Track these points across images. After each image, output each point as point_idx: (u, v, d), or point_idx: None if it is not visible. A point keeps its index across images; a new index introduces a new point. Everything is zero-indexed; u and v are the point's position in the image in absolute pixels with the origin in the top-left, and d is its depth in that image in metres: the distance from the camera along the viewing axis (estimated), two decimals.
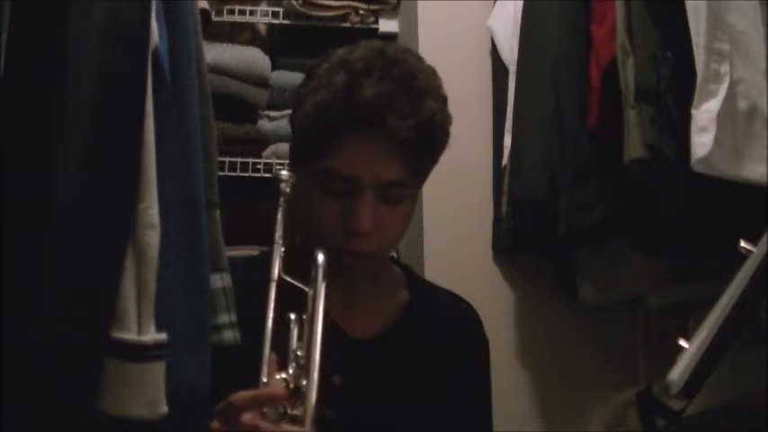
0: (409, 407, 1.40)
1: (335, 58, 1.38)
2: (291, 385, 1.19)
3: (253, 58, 2.52)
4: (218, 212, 1.16)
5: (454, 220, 2.39)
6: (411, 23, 2.50)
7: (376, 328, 1.45)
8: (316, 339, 1.22)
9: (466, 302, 1.56)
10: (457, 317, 1.52)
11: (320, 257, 1.29)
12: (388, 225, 1.37)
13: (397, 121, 1.31)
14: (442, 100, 1.39)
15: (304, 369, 1.20)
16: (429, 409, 1.41)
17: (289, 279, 1.24)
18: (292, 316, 1.24)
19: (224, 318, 1.17)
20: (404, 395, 1.41)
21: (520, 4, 2.25)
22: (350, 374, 1.38)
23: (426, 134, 1.34)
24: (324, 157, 1.34)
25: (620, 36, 1.83)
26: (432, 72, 1.41)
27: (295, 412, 1.18)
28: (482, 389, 1.52)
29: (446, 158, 2.38)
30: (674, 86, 1.72)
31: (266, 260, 1.44)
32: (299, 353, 1.22)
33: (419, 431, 1.40)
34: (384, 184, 1.34)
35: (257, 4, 2.58)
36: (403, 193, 1.38)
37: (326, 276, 1.28)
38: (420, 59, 1.42)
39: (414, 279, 1.54)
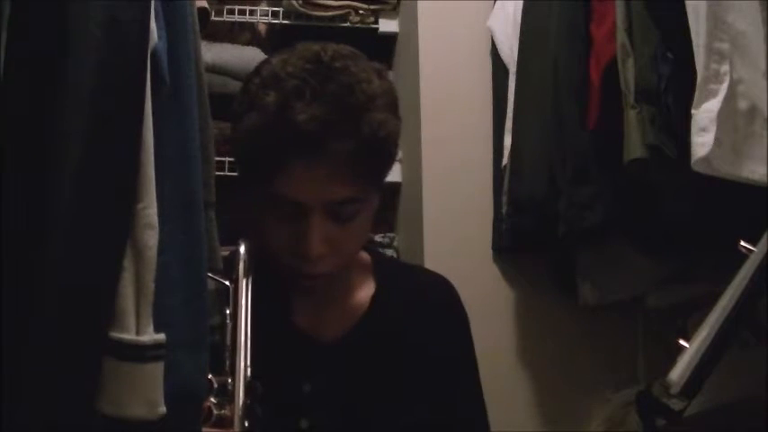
0: (385, 405, 1.36)
1: (267, 71, 1.29)
2: (216, 385, 1.16)
3: (253, 58, 2.51)
4: (214, 212, 1.16)
5: (454, 220, 2.39)
6: (411, 23, 2.50)
7: (343, 330, 1.40)
8: (240, 336, 1.19)
9: (439, 280, 1.49)
10: (426, 299, 1.46)
11: (242, 249, 1.25)
12: (343, 242, 1.31)
13: (335, 143, 1.23)
14: (389, 107, 1.30)
15: (230, 367, 1.17)
16: (406, 404, 1.37)
17: (210, 275, 1.17)
18: (227, 311, 1.21)
19: (217, 319, 1.16)
20: (378, 395, 1.37)
21: (520, 4, 2.25)
22: (319, 381, 1.35)
23: (371, 151, 1.27)
24: (265, 179, 1.27)
25: (620, 36, 1.82)
26: (377, 75, 1.31)
27: (223, 412, 1.15)
28: (463, 366, 1.46)
29: (446, 158, 2.40)
30: (674, 86, 1.72)
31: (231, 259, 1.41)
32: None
33: (398, 429, 1.36)
34: (332, 203, 1.28)
35: (257, 4, 2.58)
36: (357, 208, 1.30)
37: (249, 270, 1.24)
38: (363, 63, 1.32)
39: (381, 266, 1.47)
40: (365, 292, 1.44)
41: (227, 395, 1.16)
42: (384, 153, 1.31)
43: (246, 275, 1.24)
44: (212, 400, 1.15)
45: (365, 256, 1.47)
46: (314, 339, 1.39)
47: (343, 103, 1.25)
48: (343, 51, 1.32)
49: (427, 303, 1.45)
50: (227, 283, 1.22)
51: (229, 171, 2.38)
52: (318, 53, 1.29)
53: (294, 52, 1.31)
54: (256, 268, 1.31)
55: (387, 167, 1.35)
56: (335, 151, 1.23)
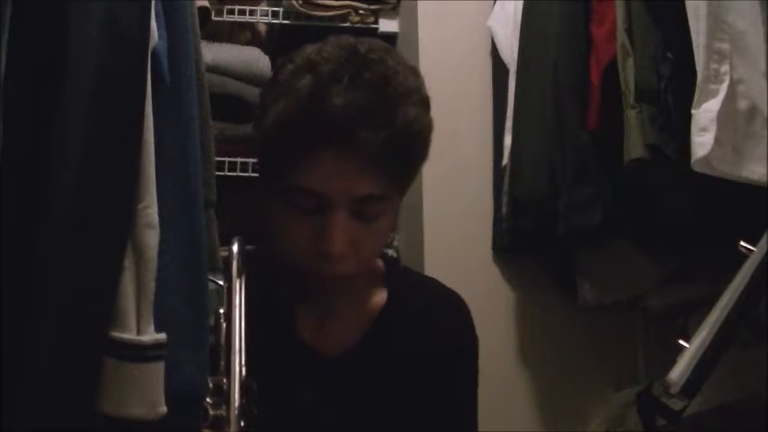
0: (381, 422, 1.34)
1: (301, 58, 1.26)
2: (211, 385, 1.14)
3: (253, 57, 2.52)
4: (214, 212, 1.16)
5: (454, 220, 2.39)
6: (411, 23, 2.51)
7: (349, 343, 1.36)
8: (235, 336, 1.17)
9: (452, 296, 1.45)
10: (438, 316, 1.42)
11: (235, 249, 1.23)
12: (364, 242, 1.27)
13: (368, 133, 1.19)
14: (423, 104, 1.28)
15: (225, 368, 1.16)
16: (402, 422, 1.34)
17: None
18: (221, 311, 1.18)
19: (212, 320, 1.16)
20: (375, 410, 1.34)
21: (520, 4, 2.25)
22: (320, 393, 1.33)
23: (402, 145, 1.23)
24: (290, 171, 1.23)
25: (620, 36, 1.83)
26: (411, 72, 1.29)
27: (219, 413, 1.14)
28: (463, 389, 1.42)
29: (446, 158, 2.40)
30: (674, 86, 1.72)
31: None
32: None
33: None
34: (358, 199, 1.23)
35: (257, 4, 2.58)
36: (381, 207, 1.27)
37: (243, 270, 1.22)
38: (398, 58, 1.29)
39: (394, 276, 1.43)
40: (374, 302, 1.40)
41: (222, 395, 1.15)
42: (415, 149, 1.28)
43: (240, 275, 1.23)
44: (208, 400, 1.15)
45: (379, 263, 1.42)
46: (316, 351, 1.36)
47: (380, 93, 1.22)
48: (378, 45, 1.30)
49: (437, 323, 1.41)
50: (220, 282, 1.20)
51: (229, 171, 2.39)
52: (355, 44, 1.27)
53: (329, 42, 1.28)
54: (261, 274, 1.29)
55: (416, 166, 1.31)
56: (367, 141, 1.20)
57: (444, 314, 1.43)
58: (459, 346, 1.43)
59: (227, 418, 1.14)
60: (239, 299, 1.21)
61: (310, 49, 1.27)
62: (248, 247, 1.33)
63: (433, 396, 1.37)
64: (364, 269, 1.34)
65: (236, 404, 1.15)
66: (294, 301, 1.37)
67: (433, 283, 1.48)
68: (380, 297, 1.40)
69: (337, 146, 1.20)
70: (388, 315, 1.39)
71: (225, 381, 1.15)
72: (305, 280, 1.31)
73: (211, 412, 1.14)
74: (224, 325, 1.19)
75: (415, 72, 1.30)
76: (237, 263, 1.23)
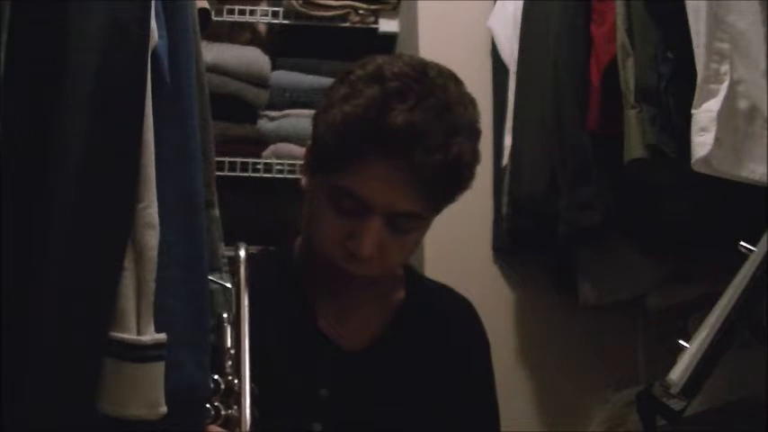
0: (399, 417, 1.37)
1: (372, 66, 1.31)
2: (223, 386, 1.17)
3: (253, 58, 2.52)
4: (215, 212, 1.16)
5: (454, 220, 2.38)
6: (411, 23, 2.51)
7: (368, 339, 1.41)
8: (243, 338, 1.20)
9: (466, 302, 1.51)
10: (454, 319, 1.48)
11: (242, 253, 1.26)
12: (391, 252, 1.32)
13: (422, 155, 1.25)
14: (475, 136, 1.34)
15: (234, 369, 1.18)
16: (420, 418, 1.38)
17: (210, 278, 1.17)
18: (224, 315, 1.20)
19: (213, 321, 1.16)
20: (394, 406, 1.37)
21: (520, 4, 2.25)
22: (337, 387, 1.36)
23: (451, 172, 1.29)
24: (339, 171, 1.29)
25: (620, 36, 1.82)
26: (471, 103, 1.35)
27: (230, 412, 1.17)
28: (481, 392, 1.47)
29: None
30: (674, 86, 1.72)
31: (265, 258, 1.43)
32: (231, 352, 1.20)
33: None
34: (396, 213, 1.29)
35: (257, 4, 2.58)
36: (416, 224, 1.33)
37: (249, 272, 1.25)
38: (461, 87, 1.35)
39: (413, 279, 1.49)
40: (393, 300, 1.45)
41: (230, 396, 1.17)
42: (460, 179, 1.33)
43: (247, 280, 1.24)
44: (217, 402, 1.16)
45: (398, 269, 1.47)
46: (336, 345, 1.39)
47: (440, 119, 1.27)
48: (445, 71, 1.35)
49: (454, 323, 1.47)
50: (224, 284, 1.22)
51: (229, 171, 2.39)
52: (423, 67, 1.32)
53: (401, 57, 1.35)
54: (282, 269, 1.35)
55: (456, 195, 1.36)
56: (420, 164, 1.25)
57: (460, 316, 1.49)
58: (475, 346, 1.49)
59: (239, 419, 1.15)
60: (246, 303, 1.23)
61: (381, 60, 1.32)
62: (252, 249, 1.35)
63: (454, 393, 1.41)
64: (385, 275, 1.39)
65: (248, 406, 1.16)
66: (315, 295, 1.40)
67: (448, 289, 1.53)
68: (398, 296, 1.45)
69: (390, 160, 1.25)
70: (407, 313, 1.44)
71: (236, 382, 1.17)
72: (328, 274, 1.35)
73: (223, 412, 1.16)
74: (228, 328, 1.20)
75: (473, 103, 1.36)
76: (245, 267, 1.25)
